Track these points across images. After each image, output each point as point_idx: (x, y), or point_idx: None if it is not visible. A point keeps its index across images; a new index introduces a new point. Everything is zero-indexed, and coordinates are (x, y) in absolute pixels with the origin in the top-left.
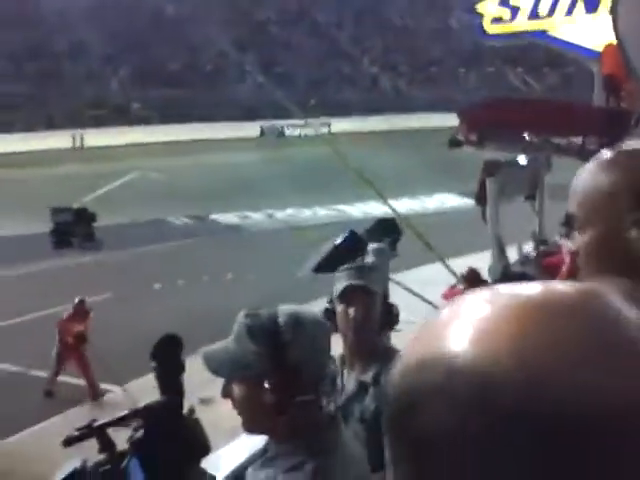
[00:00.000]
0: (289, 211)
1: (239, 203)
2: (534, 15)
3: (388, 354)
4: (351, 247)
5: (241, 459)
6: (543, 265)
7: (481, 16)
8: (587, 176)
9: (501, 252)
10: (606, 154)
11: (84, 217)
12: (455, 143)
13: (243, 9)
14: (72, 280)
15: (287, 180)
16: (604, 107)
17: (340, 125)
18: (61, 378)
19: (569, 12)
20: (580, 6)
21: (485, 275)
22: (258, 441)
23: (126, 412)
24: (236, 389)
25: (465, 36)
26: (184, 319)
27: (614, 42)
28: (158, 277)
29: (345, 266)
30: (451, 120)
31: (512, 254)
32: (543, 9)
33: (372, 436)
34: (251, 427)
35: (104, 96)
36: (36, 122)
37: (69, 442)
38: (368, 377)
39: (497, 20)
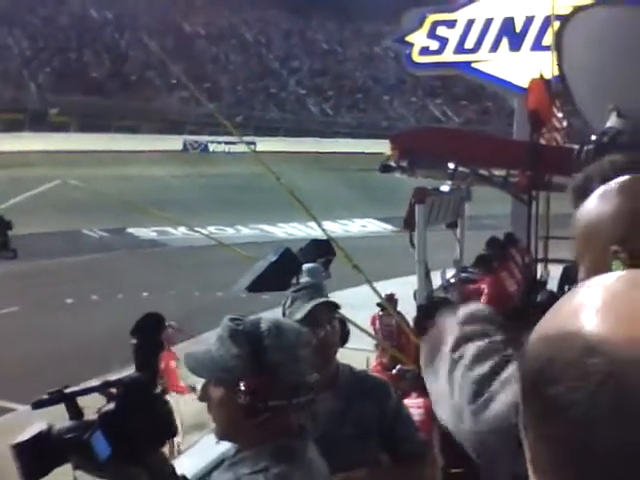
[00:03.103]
0: (210, 228)
1: (158, 217)
2: (460, 48)
3: (352, 369)
4: (286, 266)
5: (205, 463)
6: (463, 292)
7: (410, 46)
8: (583, 209)
9: (426, 278)
10: (601, 187)
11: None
12: (386, 168)
13: (171, 20)
14: None
15: (209, 197)
16: (528, 142)
17: (264, 144)
18: None
19: (493, 48)
20: (504, 44)
21: (409, 300)
22: (222, 447)
23: (98, 383)
24: (213, 392)
25: (390, 65)
26: (95, 336)
27: (539, 78)
28: (71, 291)
29: (300, 285)
30: (375, 146)
31: (435, 280)
32: (469, 44)
33: (390, 439)
34: (224, 431)
35: (21, 99)
36: None
37: (38, 405)
38: (354, 393)
39: (425, 50)
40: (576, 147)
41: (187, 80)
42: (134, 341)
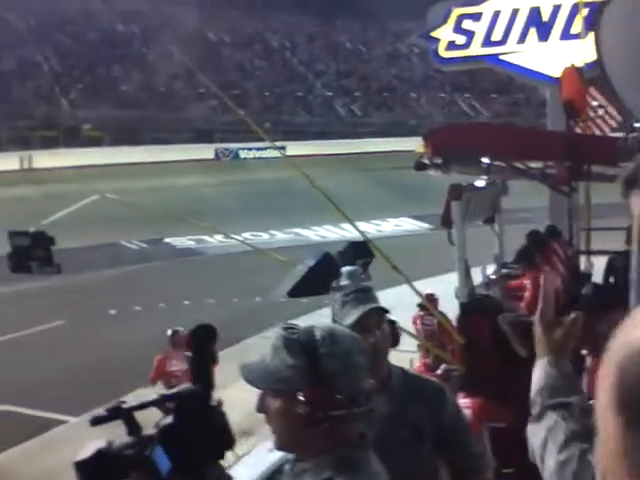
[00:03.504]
0: (246, 234)
1: (194, 226)
2: (488, 41)
3: (405, 372)
4: (325, 270)
5: (261, 472)
6: (505, 288)
7: (437, 41)
8: None
9: (467, 275)
10: None
11: (42, 241)
12: (421, 166)
13: (196, 30)
14: (27, 306)
15: (242, 203)
16: (565, 132)
17: (294, 148)
18: (21, 410)
19: (521, 39)
20: (532, 34)
21: (448, 298)
22: (276, 456)
23: (155, 397)
24: (271, 403)
25: (416, 62)
26: (140, 346)
27: (571, 67)
28: (114, 302)
29: (349, 289)
30: (404, 144)
31: (475, 276)
32: (496, 36)
33: (448, 443)
34: (283, 442)
35: (54, 116)
36: None
37: (96, 421)
38: (409, 396)
39: (452, 45)
40: (617, 135)
41: (216, 89)
42: (188, 353)
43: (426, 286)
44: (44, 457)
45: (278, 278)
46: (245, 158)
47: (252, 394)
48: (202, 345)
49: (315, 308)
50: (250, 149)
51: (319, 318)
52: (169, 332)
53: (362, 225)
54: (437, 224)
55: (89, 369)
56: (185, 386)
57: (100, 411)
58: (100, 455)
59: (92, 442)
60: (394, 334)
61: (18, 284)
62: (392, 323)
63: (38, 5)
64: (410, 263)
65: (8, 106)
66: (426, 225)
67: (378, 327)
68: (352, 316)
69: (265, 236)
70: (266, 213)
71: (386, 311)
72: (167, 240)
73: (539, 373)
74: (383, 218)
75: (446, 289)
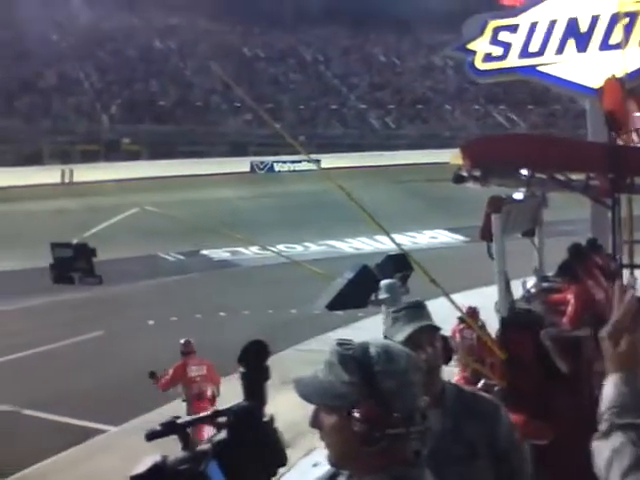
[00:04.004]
0: (280, 246)
1: (230, 238)
2: (525, 52)
3: (459, 389)
4: (364, 283)
5: None
6: (547, 302)
7: (473, 53)
8: None
9: (507, 289)
10: None
11: (84, 252)
12: (459, 179)
13: (230, 45)
14: (68, 316)
15: (278, 216)
16: (608, 144)
17: (329, 161)
18: (60, 419)
19: (559, 51)
20: (571, 45)
21: (487, 312)
22: (320, 470)
23: (209, 412)
24: (325, 419)
25: (450, 74)
26: (175, 357)
27: (612, 78)
28: (152, 313)
29: (401, 306)
30: (439, 156)
31: (515, 290)
32: (534, 47)
33: (504, 460)
34: (337, 459)
35: (94, 131)
36: (25, 157)
37: (151, 436)
38: (463, 412)
39: (488, 57)
40: None
41: (252, 102)
42: (241, 369)
43: (463, 299)
44: (84, 465)
45: (313, 290)
46: (280, 171)
47: (290, 406)
48: (254, 361)
49: (351, 321)
50: (285, 162)
51: (358, 332)
52: (182, 341)
53: (397, 237)
54: (473, 236)
55: (127, 379)
56: (238, 402)
57: (155, 426)
58: (156, 469)
59: (147, 457)
60: (447, 351)
61: (59, 295)
62: (445, 340)
63: (78, 23)
64: (446, 276)
65: (50, 121)
66: (462, 237)
67: (430, 344)
68: (404, 333)
69: (299, 248)
70: (301, 225)
71: (438, 328)
72: (204, 252)
73: (610, 389)
74: (418, 230)
75: (484, 303)
